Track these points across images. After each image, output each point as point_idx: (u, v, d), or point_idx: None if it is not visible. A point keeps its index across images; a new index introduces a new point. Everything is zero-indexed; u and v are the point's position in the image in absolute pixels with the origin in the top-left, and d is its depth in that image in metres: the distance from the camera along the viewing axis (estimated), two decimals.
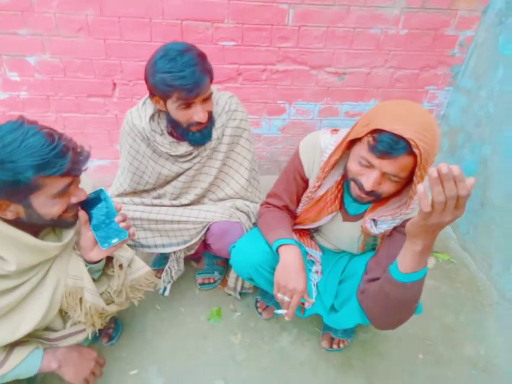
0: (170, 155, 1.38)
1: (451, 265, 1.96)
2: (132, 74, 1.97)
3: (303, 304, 1.34)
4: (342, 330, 1.52)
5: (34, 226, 0.99)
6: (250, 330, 1.61)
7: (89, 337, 1.25)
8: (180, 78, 1.14)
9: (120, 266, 1.20)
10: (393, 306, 1.05)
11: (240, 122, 1.42)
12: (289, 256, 1.17)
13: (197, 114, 1.23)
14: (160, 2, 1.78)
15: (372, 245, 1.26)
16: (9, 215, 0.92)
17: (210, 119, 1.32)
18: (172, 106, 1.22)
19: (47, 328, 1.19)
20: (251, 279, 1.39)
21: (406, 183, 1.04)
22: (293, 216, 1.38)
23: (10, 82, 1.94)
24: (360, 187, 1.03)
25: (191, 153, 1.39)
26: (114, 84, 2.00)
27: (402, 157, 0.92)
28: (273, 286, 1.20)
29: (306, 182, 1.30)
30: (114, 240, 1.05)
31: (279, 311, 1.19)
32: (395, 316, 1.09)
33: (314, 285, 1.33)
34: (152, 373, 1.45)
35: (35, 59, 1.88)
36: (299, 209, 1.35)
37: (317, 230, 1.42)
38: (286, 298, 1.15)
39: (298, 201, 1.34)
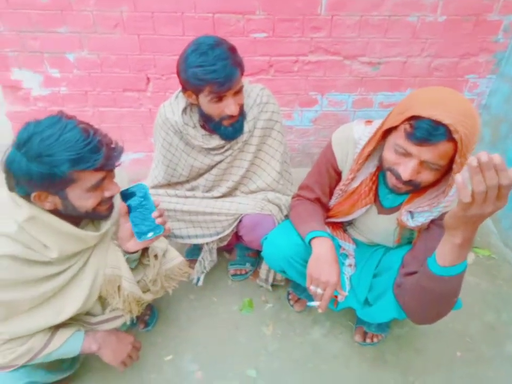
0: (203, 148, 1.40)
1: (492, 261, 1.88)
2: (165, 69, 2.01)
3: (336, 297, 1.33)
4: (376, 325, 1.50)
5: (74, 217, 1.03)
6: (282, 321, 1.62)
7: (127, 323, 1.29)
8: (211, 71, 1.15)
9: (155, 256, 1.23)
10: (430, 300, 1.02)
11: (271, 115, 1.42)
12: (322, 248, 1.16)
13: (229, 107, 1.24)
14: None
15: (408, 238, 1.23)
16: (48, 206, 0.96)
17: (242, 112, 1.33)
18: (204, 100, 1.23)
19: (88, 313, 1.25)
20: (283, 271, 1.39)
21: (445, 172, 1.00)
22: (325, 208, 1.37)
23: (52, 78, 2.02)
24: (397, 177, 1.00)
25: (223, 146, 1.40)
26: (148, 79, 2.05)
27: (442, 144, 0.89)
28: (305, 278, 1.19)
29: (339, 174, 1.27)
30: (150, 234, 1.09)
31: (312, 303, 1.19)
32: (433, 310, 1.06)
33: (347, 278, 1.32)
34: (186, 359, 1.48)
35: (74, 56, 1.95)
36: (332, 202, 1.33)
37: (350, 223, 1.40)
38: (319, 291, 1.14)
39: (331, 193, 1.32)
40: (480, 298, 1.69)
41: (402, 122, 0.94)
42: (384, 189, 1.17)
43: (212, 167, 1.47)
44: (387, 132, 1.04)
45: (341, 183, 1.25)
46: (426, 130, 0.88)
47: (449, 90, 0.95)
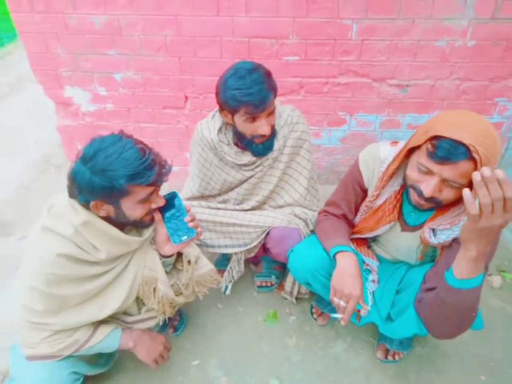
0: (235, 164, 1.50)
1: None
2: (202, 88, 2.14)
3: (359, 311, 1.36)
4: (398, 342, 1.52)
5: (120, 224, 1.15)
6: (305, 334, 1.66)
7: (159, 324, 1.39)
8: (248, 94, 1.24)
9: (189, 262, 1.33)
10: (449, 313, 1.05)
11: (301, 134, 1.50)
12: (346, 262, 1.21)
13: (262, 127, 1.33)
14: (231, 21, 1.93)
15: (430, 256, 1.26)
16: (102, 213, 1.08)
17: (273, 131, 1.42)
18: (239, 120, 1.33)
19: (125, 313, 1.36)
20: (308, 284, 1.44)
21: None
22: (351, 225, 1.42)
23: (99, 96, 2.20)
24: (420, 194, 1.06)
25: (254, 163, 1.49)
26: (186, 97, 2.19)
27: (462, 163, 0.94)
28: (328, 291, 1.24)
29: (365, 191, 1.33)
30: (184, 237, 1.19)
31: (335, 315, 1.24)
32: (452, 323, 1.09)
33: (370, 293, 1.36)
34: (212, 364, 1.55)
35: (120, 76, 2.13)
36: (357, 219, 1.39)
37: (374, 239, 1.44)
38: (342, 303, 1.19)
39: (357, 210, 1.38)
40: (505, 323, 1.67)
41: (425, 142, 1.00)
42: (408, 206, 1.22)
43: (243, 182, 1.56)
44: (411, 151, 1.09)
45: (366, 200, 1.31)
46: (447, 150, 0.94)
47: (472, 113, 1.00)
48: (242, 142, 1.44)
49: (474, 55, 1.95)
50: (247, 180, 1.55)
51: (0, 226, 2.22)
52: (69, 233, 1.06)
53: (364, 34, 1.94)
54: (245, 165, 1.50)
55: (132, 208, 1.09)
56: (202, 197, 1.69)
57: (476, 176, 0.76)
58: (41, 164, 2.75)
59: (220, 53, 2.03)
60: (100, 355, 1.38)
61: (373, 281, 1.39)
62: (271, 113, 1.34)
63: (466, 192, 0.79)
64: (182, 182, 1.79)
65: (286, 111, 1.51)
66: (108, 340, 1.24)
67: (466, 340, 1.60)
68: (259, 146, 1.42)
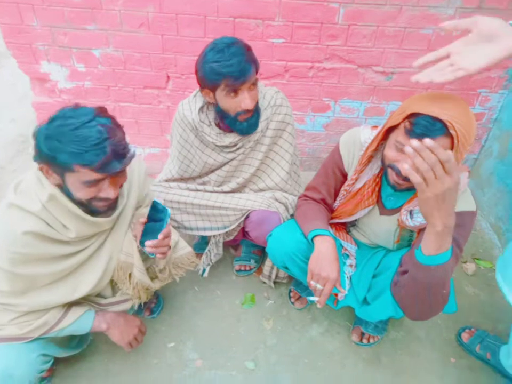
0: (216, 145, 1.47)
1: (493, 274, 1.89)
2: (185, 68, 2.08)
3: (336, 295, 1.38)
4: (373, 326, 1.54)
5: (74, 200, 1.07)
6: (282, 318, 1.67)
7: (135, 308, 1.37)
8: (227, 66, 1.22)
9: (168, 247, 1.30)
10: (421, 291, 1.07)
11: (284, 117, 1.48)
12: (324, 246, 1.21)
13: (244, 101, 1.30)
14: (216, 0, 1.87)
15: (408, 240, 1.28)
16: (52, 180, 1.02)
17: (257, 109, 1.40)
18: (220, 95, 1.30)
19: (98, 295, 1.33)
20: (285, 267, 1.44)
21: None
22: (330, 209, 1.42)
23: (77, 73, 2.12)
24: (397, 172, 1.06)
25: (235, 144, 1.47)
26: (168, 77, 2.13)
27: (440, 139, 0.95)
28: (306, 275, 1.25)
29: (345, 176, 1.33)
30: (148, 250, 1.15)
31: (312, 298, 1.24)
32: (425, 302, 1.10)
33: (347, 277, 1.37)
34: (188, 347, 1.55)
35: (99, 52, 2.05)
36: (336, 203, 1.39)
37: (354, 224, 1.45)
38: (319, 286, 1.19)
39: (336, 195, 1.38)
40: (477, 309, 1.71)
41: (403, 120, 1.01)
42: (387, 190, 1.23)
43: (224, 164, 1.54)
44: (388, 132, 1.10)
45: (345, 184, 1.31)
46: (425, 126, 0.95)
47: (448, 93, 1.02)
48: (226, 120, 1.40)
49: None
50: (228, 162, 1.52)
51: None
52: (36, 209, 1.02)
53: (350, 19, 1.91)
54: (226, 147, 1.48)
55: (75, 187, 1.01)
56: (182, 179, 1.66)
57: (408, 149, 0.82)
58: (17, 143, 2.65)
59: (203, 32, 1.97)
60: (71, 337, 1.35)
61: (351, 265, 1.40)
62: (253, 86, 1.32)
63: (404, 166, 0.84)
64: (162, 164, 1.76)
65: (269, 92, 1.48)
66: (79, 322, 1.21)
67: (439, 324, 1.64)
68: (243, 124, 1.39)
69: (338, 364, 1.51)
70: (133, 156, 1.04)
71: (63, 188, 1.03)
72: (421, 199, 0.89)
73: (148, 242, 1.12)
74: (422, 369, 1.50)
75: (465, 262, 1.92)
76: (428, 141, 0.80)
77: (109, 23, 1.95)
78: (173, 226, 1.52)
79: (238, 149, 1.48)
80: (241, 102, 1.30)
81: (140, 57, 2.05)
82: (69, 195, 1.04)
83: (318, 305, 1.21)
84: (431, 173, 0.82)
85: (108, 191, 1.03)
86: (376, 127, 1.24)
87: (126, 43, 2.01)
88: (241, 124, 1.38)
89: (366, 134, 1.23)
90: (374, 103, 2.18)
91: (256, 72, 1.31)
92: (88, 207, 1.07)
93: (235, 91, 1.28)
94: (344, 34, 1.96)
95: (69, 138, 0.93)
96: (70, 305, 1.22)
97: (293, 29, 1.94)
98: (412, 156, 0.82)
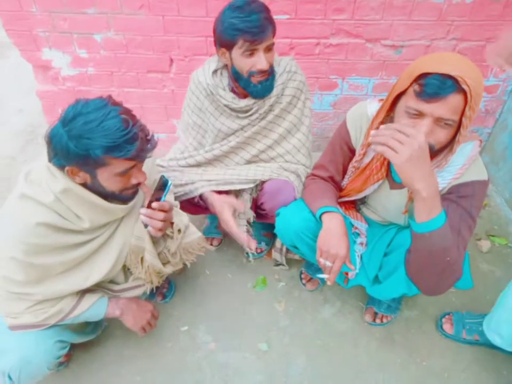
0: (231, 108, 1.44)
1: (509, 250, 1.86)
2: (188, 50, 2.03)
3: (346, 274, 1.36)
4: (386, 306, 1.53)
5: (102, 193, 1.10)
6: (294, 299, 1.67)
7: (147, 293, 1.38)
8: (246, 21, 1.21)
9: (179, 231, 1.29)
10: (424, 261, 1.06)
11: (299, 84, 1.46)
12: (332, 222, 1.20)
13: (260, 62, 1.28)
14: None
15: None
16: (78, 180, 1.03)
17: (272, 72, 1.38)
18: (237, 54, 1.29)
19: (111, 281, 1.34)
20: (295, 247, 1.43)
21: (455, 133, 1.01)
22: (338, 187, 1.40)
23: (80, 59, 2.09)
24: None
25: (250, 109, 1.44)
26: (171, 60, 2.09)
27: (453, 96, 0.91)
28: (315, 253, 1.23)
29: (353, 152, 1.30)
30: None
31: (321, 275, 1.23)
32: (432, 273, 1.08)
33: (358, 256, 1.35)
34: (201, 330, 1.56)
35: (101, 36, 2.01)
36: (345, 181, 1.36)
37: (364, 202, 1.42)
38: (328, 263, 1.18)
39: (344, 172, 1.35)
40: (493, 286, 1.68)
41: (411, 84, 0.97)
42: None
43: (237, 131, 1.50)
44: (395, 101, 1.06)
45: (353, 160, 1.28)
46: (436, 85, 0.91)
47: (450, 52, 1.02)
48: (240, 82, 1.38)
49: (473, 12, 1.86)
50: (242, 128, 1.49)
51: None
52: (49, 200, 1.01)
53: None
54: (241, 111, 1.45)
55: (108, 180, 1.03)
56: (191, 166, 1.61)
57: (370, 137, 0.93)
58: (26, 133, 2.66)
59: (205, 11, 1.91)
60: (86, 323, 1.37)
61: (361, 244, 1.38)
62: (270, 48, 1.30)
63: (372, 146, 0.96)
64: (167, 149, 1.73)
65: (285, 59, 1.47)
66: (93, 308, 1.23)
67: (453, 301, 1.62)
68: (257, 87, 1.37)
69: (352, 344, 1.51)
70: (155, 141, 1.07)
71: (89, 184, 1.05)
72: (396, 167, 0.91)
73: (142, 210, 1.13)
74: (436, 348, 1.49)
75: (479, 239, 1.88)
76: (372, 132, 0.93)
77: (108, 6, 1.90)
78: (185, 193, 1.51)
79: (252, 114, 1.46)
80: (257, 62, 1.29)
81: (142, 40, 2.01)
82: (95, 189, 1.06)
83: (328, 283, 1.20)
84: (393, 140, 0.89)
85: (138, 177, 1.08)
86: (383, 99, 1.20)
87: (127, 26, 1.97)
88: (256, 86, 1.36)
89: (374, 107, 1.19)
90: (383, 79, 2.11)
91: (273, 35, 1.30)
92: (117, 197, 1.11)
93: (251, 51, 1.26)
94: (350, 7, 1.88)
95: (98, 133, 0.94)
96: (83, 292, 1.23)
97: (297, 3, 1.87)
98: (373, 140, 0.92)
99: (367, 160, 1.24)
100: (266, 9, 1.26)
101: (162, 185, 1.14)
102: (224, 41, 1.28)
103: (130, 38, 2.01)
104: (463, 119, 0.95)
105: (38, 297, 1.12)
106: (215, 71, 1.43)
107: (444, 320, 1.53)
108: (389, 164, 1.22)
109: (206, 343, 1.52)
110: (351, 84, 2.14)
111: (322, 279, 1.24)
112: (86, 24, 1.96)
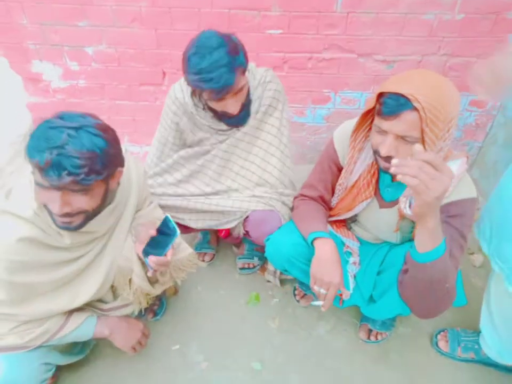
0: (211, 127, 1.43)
1: None
2: (180, 63, 2.02)
3: (341, 295, 1.34)
4: (380, 322, 1.51)
5: None
6: (288, 316, 1.64)
7: (135, 313, 1.34)
8: (208, 80, 1.15)
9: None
10: (424, 289, 1.05)
11: (274, 93, 1.43)
12: (324, 249, 1.19)
13: (229, 107, 1.27)
14: None
15: (410, 232, 1.24)
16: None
17: (245, 106, 1.36)
18: (206, 97, 1.26)
19: (100, 300, 1.30)
20: (286, 271, 1.41)
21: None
22: (328, 206, 1.39)
23: (70, 71, 2.07)
24: (380, 156, 1.04)
25: (230, 128, 1.43)
26: (164, 73, 2.08)
27: (406, 113, 0.93)
28: (308, 276, 1.22)
29: (341, 170, 1.30)
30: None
31: (316, 303, 1.22)
32: (430, 299, 1.08)
33: (351, 276, 1.33)
34: (193, 349, 1.52)
35: (92, 49, 2.00)
36: (334, 201, 1.35)
37: (354, 220, 1.41)
38: (322, 291, 1.17)
39: (333, 191, 1.34)
40: None
41: (376, 103, 1.00)
42: (384, 181, 1.21)
43: (215, 146, 1.48)
44: (368, 116, 1.11)
45: (341, 177, 1.28)
46: (390, 104, 0.94)
47: (422, 70, 1.03)
48: (214, 115, 1.38)
49: (463, 29, 1.89)
50: (220, 142, 1.47)
51: None
52: (29, 214, 0.98)
53: (349, 6, 1.85)
54: (221, 129, 1.44)
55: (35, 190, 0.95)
56: (167, 171, 1.56)
57: (392, 167, 0.84)
58: (16, 144, 2.61)
59: (198, 25, 1.91)
60: (74, 344, 1.33)
61: (354, 263, 1.36)
62: (239, 91, 1.26)
63: (394, 161, 0.84)
64: None
65: (259, 71, 1.43)
66: (81, 328, 1.19)
67: (448, 318, 1.61)
68: (232, 120, 1.37)
69: (347, 362, 1.48)
70: (90, 179, 0.91)
71: None
72: (422, 203, 0.86)
73: (152, 258, 1.10)
74: (432, 365, 1.47)
75: (472, 254, 1.88)
76: (394, 161, 0.83)
77: (100, 19, 1.90)
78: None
79: (231, 131, 1.45)
80: (226, 107, 1.27)
81: (134, 54, 2.00)
82: None
83: (323, 309, 1.19)
84: (424, 174, 0.81)
85: (56, 207, 0.92)
86: None
87: (119, 39, 1.96)
88: (230, 120, 1.36)
89: None
90: (375, 93, 2.12)
91: (243, 74, 1.25)
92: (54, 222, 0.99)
93: (219, 100, 1.24)
94: (343, 23, 1.90)
95: (38, 136, 0.88)
96: (71, 311, 1.19)
97: (290, 19, 1.89)
98: (398, 167, 0.83)
99: (354, 178, 1.24)
100: (232, 54, 1.17)
101: (167, 232, 1.11)
102: (192, 86, 1.26)
103: (123, 51, 2.00)
104: (424, 135, 0.96)
105: (22, 318, 1.08)
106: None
107: (439, 337, 1.51)
108: (377, 182, 1.22)
109: (198, 363, 1.48)
110: (343, 97, 2.15)
111: (317, 306, 1.23)
112: (77, 37, 1.95)
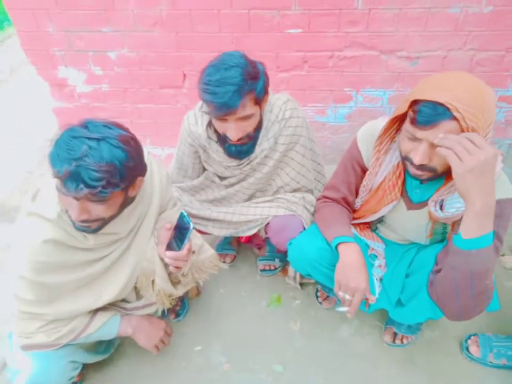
0: (222, 164, 1.42)
1: None
2: (200, 65, 1.98)
3: (366, 299, 1.31)
4: (406, 326, 1.47)
5: None
6: (310, 318, 1.62)
7: (158, 313, 1.35)
8: (212, 93, 1.13)
9: (193, 252, 1.27)
10: (462, 282, 0.98)
11: (295, 130, 1.38)
12: (349, 254, 1.16)
13: (229, 131, 1.22)
14: None
15: (441, 234, 1.19)
16: None
17: (251, 138, 1.30)
18: (209, 113, 1.23)
19: (123, 300, 1.32)
20: (309, 275, 1.39)
21: None
22: (352, 208, 1.36)
23: (94, 76, 2.12)
24: (412, 163, 1.00)
25: (241, 163, 1.40)
26: (185, 75, 2.10)
27: (444, 123, 0.89)
28: (332, 281, 1.20)
29: (365, 171, 1.26)
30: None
31: (341, 309, 1.20)
32: (467, 296, 1.01)
33: (377, 279, 1.29)
34: (215, 350, 1.52)
35: (115, 54, 2.03)
36: (358, 203, 1.32)
37: (381, 220, 1.37)
38: (348, 297, 1.15)
39: (357, 192, 1.31)
40: None
41: (408, 108, 0.96)
42: (412, 183, 1.17)
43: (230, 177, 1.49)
44: (399, 121, 1.06)
45: (364, 179, 1.24)
46: (426, 113, 0.90)
47: (454, 72, 0.97)
48: (218, 137, 1.35)
49: (491, 22, 1.82)
50: (235, 176, 1.47)
51: (6, 212, 2.19)
52: (54, 216, 1.00)
53: (370, 3, 1.81)
54: (232, 166, 1.42)
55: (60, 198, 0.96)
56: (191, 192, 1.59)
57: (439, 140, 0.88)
58: (44, 148, 2.70)
59: (218, 27, 1.92)
60: (99, 343, 1.35)
61: (380, 266, 1.32)
62: (245, 119, 1.20)
63: (417, 157, 0.92)
64: None
65: (277, 104, 1.36)
66: (106, 327, 1.21)
67: (478, 323, 1.54)
68: (232, 148, 1.31)
69: (371, 366, 1.45)
70: (107, 192, 0.91)
71: None
72: (456, 175, 0.85)
73: (168, 254, 1.09)
74: (461, 371, 1.42)
75: (503, 255, 1.81)
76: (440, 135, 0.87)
77: (123, 24, 1.93)
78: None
79: (244, 166, 1.41)
80: (227, 131, 1.23)
81: (155, 57, 2.03)
82: None
83: (348, 315, 1.16)
84: (460, 146, 0.83)
85: (75, 213, 0.93)
86: None
87: (140, 43, 1.99)
88: (230, 147, 1.31)
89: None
90: (399, 90, 2.08)
91: (256, 103, 1.20)
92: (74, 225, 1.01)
93: (222, 119, 1.20)
94: (364, 20, 1.86)
95: (59, 147, 0.90)
96: (96, 310, 1.21)
97: (310, 17, 1.87)
98: (441, 140, 0.86)
99: (379, 179, 1.20)
100: (246, 79, 1.12)
101: (183, 227, 1.10)
102: (199, 96, 1.21)
103: (144, 55, 2.03)
104: None
105: (48, 318, 1.11)
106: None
107: (469, 342, 1.45)
108: (403, 184, 1.18)
109: (220, 364, 1.48)
110: (365, 96, 2.11)
111: (342, 312, 1.21)
112: (101, 42, 1.99)
